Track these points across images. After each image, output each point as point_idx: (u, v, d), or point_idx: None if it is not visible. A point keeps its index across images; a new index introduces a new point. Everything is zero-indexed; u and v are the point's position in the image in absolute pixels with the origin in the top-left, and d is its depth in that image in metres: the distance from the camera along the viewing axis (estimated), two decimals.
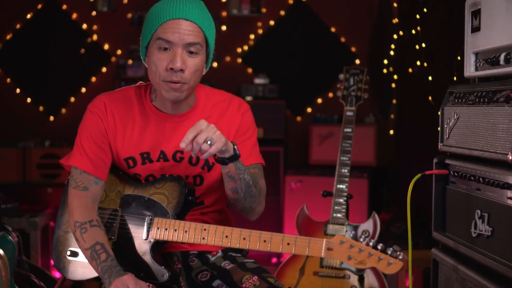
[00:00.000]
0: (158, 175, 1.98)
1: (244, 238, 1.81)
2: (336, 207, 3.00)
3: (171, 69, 1.83)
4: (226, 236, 1.82)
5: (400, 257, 1.69)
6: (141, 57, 1.95)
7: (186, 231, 1.86)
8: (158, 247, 1.92)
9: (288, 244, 1.77)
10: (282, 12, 5.55)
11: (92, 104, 1.99)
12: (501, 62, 1.79)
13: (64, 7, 5.56)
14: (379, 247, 1.72)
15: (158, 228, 1.89)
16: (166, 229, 1.88)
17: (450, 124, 2.04)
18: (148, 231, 1.91)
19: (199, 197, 2.02)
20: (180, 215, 1.91)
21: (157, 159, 1.97)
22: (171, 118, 1.96)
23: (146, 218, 1.92)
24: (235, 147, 1.79)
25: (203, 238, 1.85)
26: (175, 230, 1.87)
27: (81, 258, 1.97)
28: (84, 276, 1.98)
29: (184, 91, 1.88)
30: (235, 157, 1.79)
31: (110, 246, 1.90)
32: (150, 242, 1.90)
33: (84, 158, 1.94)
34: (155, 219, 1.91)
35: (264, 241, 1.79)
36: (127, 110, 1.98)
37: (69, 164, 1.98)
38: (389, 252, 1.70)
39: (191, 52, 1.85)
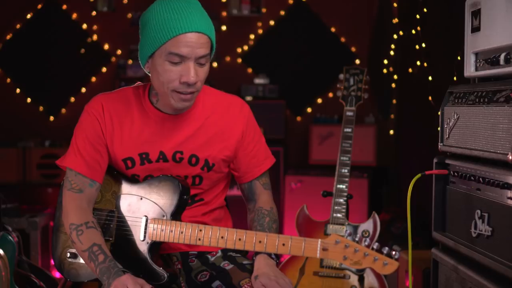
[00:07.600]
0: (157, 175, 1.97)
1: (239, 239, 1.81)
2: (336, 207, 3.00)
3: (185, 82, 1.81)
4: (222, 237, 1.82)
5: (396, 257, 1.69)
6: (140, 62, 1.90)
7: (182, 232, 1.86)
8: (156, 247, 1.92)
9: (283, 244, 1.78)
10: (282, 12, 5.55)
11: (89, 104, 1.97)
12: (501, 62, 1.79)
13: (64, 7, 5.56)
14: (374, 246, 1.72)
15: (154, 229, 1.89)
16: (162, 230, 1.88)
17: (450, 124, 2.04)
18: (144, 231, 1.90)
19: (198, 195, 2.01)
20: (175, 215, 1.90)
21: (156, 160, 1.95)
22: (170, 118, 1.95)
23: (142, 219, 1.91)
24: (277, 261, 1.94)
25: (199, 239, 1.84)
26: (171, 231, 1.87)
27: (82, 259, 1.96)
28: (85, 278, 1.98)
29: (194, 99, 1.89)
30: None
31: (107, 247, 1.89)
32: (148, 243, 1.89)
33: (79, 159, 1.92)
34: (151, 219, 1.90)
35: (259, 241, 1.79)
36: (125, 110, 1.96)
37: (64, 165, 1.96)
38: (385, 252, 1.70)
39: (201, 63, 1.84)
